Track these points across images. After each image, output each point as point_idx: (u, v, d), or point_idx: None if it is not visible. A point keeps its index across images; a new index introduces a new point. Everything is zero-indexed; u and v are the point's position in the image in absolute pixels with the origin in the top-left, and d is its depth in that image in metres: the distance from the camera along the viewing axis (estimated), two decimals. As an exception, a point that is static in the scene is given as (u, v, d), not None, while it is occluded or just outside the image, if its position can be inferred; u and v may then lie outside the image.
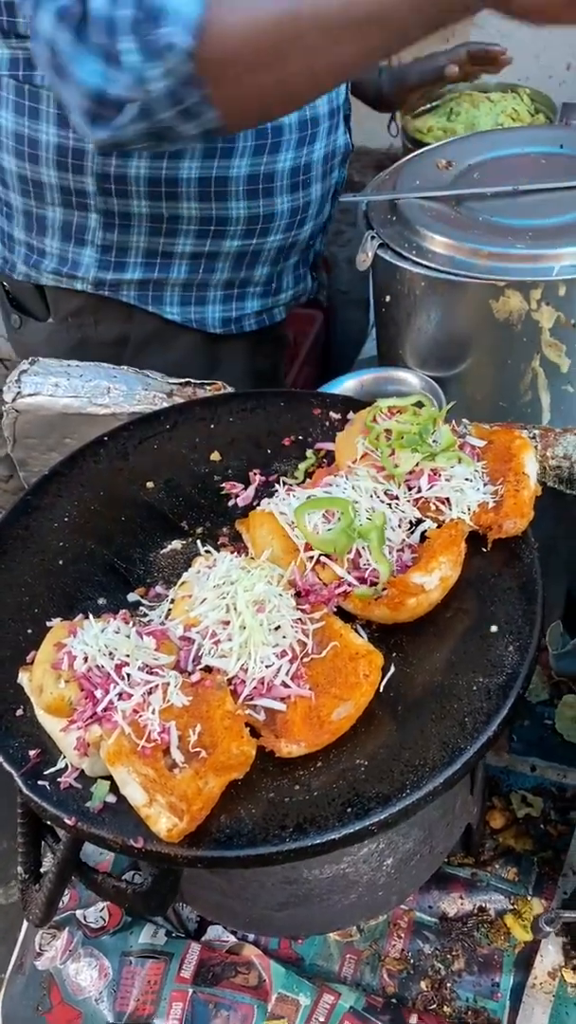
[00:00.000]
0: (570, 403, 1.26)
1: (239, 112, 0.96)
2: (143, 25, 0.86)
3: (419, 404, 0.87)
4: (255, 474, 0.93)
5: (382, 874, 0.87)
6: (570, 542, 1.09)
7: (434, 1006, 0.97)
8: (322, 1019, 0.93)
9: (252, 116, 1.03)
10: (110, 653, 0.70)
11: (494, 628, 0.77)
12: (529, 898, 1.03)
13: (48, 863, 0.82)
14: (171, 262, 1.39)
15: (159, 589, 0.84)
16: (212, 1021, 0.95)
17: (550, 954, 0.99)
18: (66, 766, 0.71)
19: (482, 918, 1.02)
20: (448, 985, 0.98)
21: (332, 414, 0.98)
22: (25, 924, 1.09)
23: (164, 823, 0.63)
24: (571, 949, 0.99)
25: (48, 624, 0.79)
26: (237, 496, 0.92)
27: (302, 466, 0.93)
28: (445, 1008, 0.97)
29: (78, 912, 1.05)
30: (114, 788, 0.69)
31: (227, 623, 0.73)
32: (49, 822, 0.72)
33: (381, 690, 0.73)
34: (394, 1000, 0.97)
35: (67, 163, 1.29)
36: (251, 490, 0.92)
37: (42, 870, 0.82)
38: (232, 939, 1.02)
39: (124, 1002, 0.98)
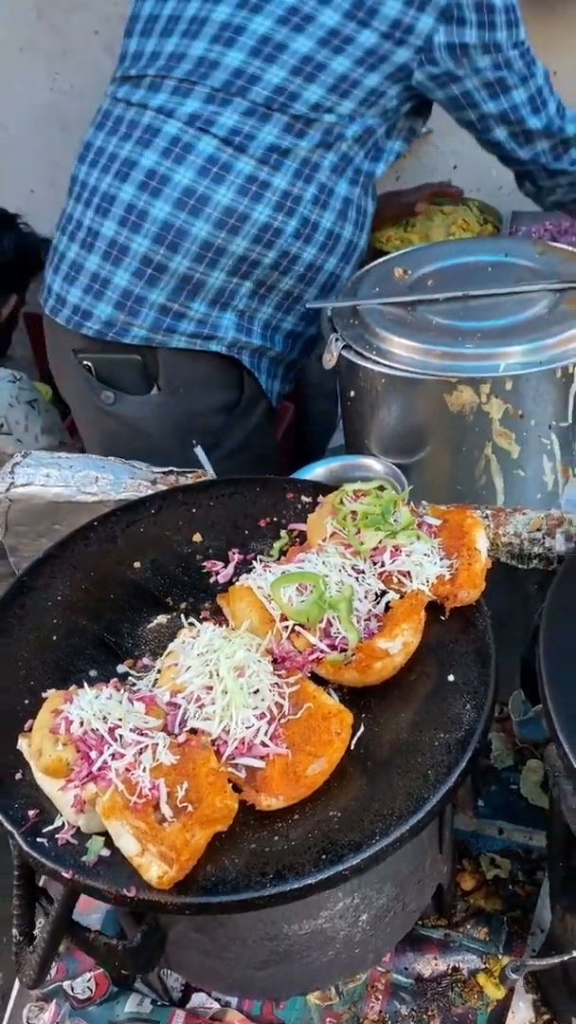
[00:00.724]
0: (522, 486, 1.37)
1: None
2: None
3: (381, 488, 0.97)
4: (234, 553, 1.02)
5: (358, 930, 0.92)
6: (524, 614, 1.17)
7: (412, 1065, 1.00)
8: (304, 1079, 0.96)
9: None
10: (104, 717, 0.77)
11: (453, 689, 0.84)
12: (500, 957, 1.07)
13: (41, 926, 0.87)
14: (276, 335, 1.64)
15: (146, 660, 0.92)
16: None
17: (521, 1011, 1.03)
18: (63, 824, 0.76)
19: (456, 978, 1.07)
20: (425, 1044, 1.02)
21: (303, 498, 1.07)
22: (13, 997, 1.11)
23: (155, 871, 0.69)
24: (541, 1005, 1.03)
25: (44, 695, 0.86)
26: (218, 574, 1.00)
27: (277, 545, 1.01)
28: (423, 1067, 1.00)
29: (65, 984, 1.08)
30: (108, 843, 0.74)
31: (210, 688, 0.80)
32: (47, 876, 0.77)
33: (352, 747, 0.80)
34: (373, 1060, 1.01)
35: (263, 239, 1.51)
36: (230, 568, 1.00)
37: (35, 932, 0.87)
38: (216, 1006, 1.06)
39: (111, 1071, 1.01)
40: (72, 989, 1.07)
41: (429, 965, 1.08)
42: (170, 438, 1.61)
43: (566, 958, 0.87)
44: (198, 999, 1.07)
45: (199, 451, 1.55)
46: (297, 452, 2.85)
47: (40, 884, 0.88)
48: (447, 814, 0.96)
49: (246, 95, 1.46)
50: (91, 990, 1.07)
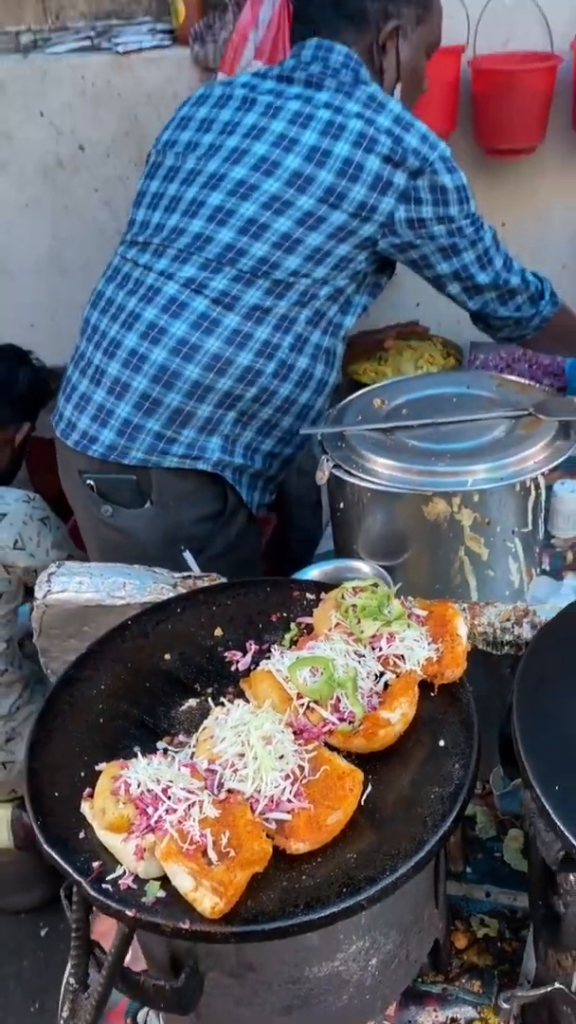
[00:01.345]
0: (492, 584, 1.56)
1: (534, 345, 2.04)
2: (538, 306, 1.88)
3: (375, 585, 1.15)
4: (251, 644, 1.19)
5: (368, 975, 1.05)
6: (500, 694, 1.35)
7: None
8: None
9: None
10: (157, 780, 0.93)
11: (444, 752, 1.01)
12: (492, 1006, 1.20)
13: (92, 977, 0.99)
14: (256, 455, 1.88)
15: (181, 737, 1.07)
16: None
17: (514, 1053, 1.15)
18: (123, 872, 0.91)
19: (454, 1027, 1.19)
20: None
21: (307, 595, 1.25)
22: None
23: (208, 903, 0.84)
24: (532, 1047, 1.15)
25: (97, 768, 1.01)
26: (238, 662, 1.17)
27: (288, 636, 1.19)
28: None
29: (101, 1046, 1.18)
30: (163, 886, 0.89)
31: (242, 755, 0.96)
32: (112, 916, 0.90)
33: (362, 803, 0.96)
34: None
35: (245, 378, 1.76)
36: (248, 656, 1.17)
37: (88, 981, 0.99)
38: (239, 1061, 1.16)
39: None
40: (108, 1051, 1.17)
41: (430, 1017, 1.20)
42: (160, 545, 1.82)
43: (550, 989, 1.01)
44: (223, 1056, 1.17)
45: (187, 555, 1.74)
46: (280, 559, 3.05)
47: (92, 937, 1.01)
48: (442, 870, 1.10)
49: (235, 265, 1.73)
50: (125, 1051, 1.17)
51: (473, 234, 1.78)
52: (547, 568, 1.81)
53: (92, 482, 1.86)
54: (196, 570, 1.66)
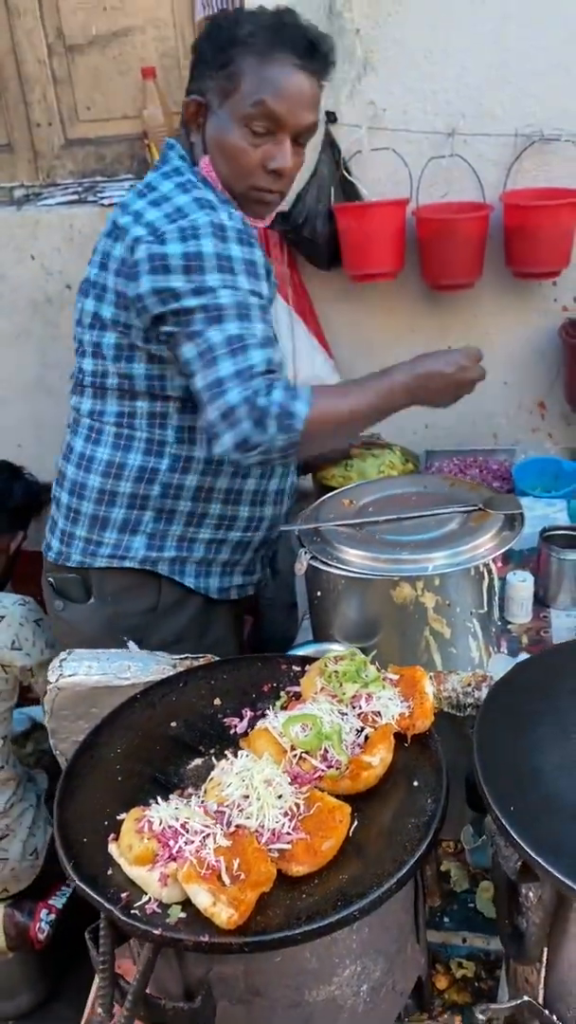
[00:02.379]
0: (455, 661, 1.75)
1: (306, 454, 1.84)
2: (283, 418, 1.66)
3: (353, 654, 1.34)
4: (247, 711, 1.36)
5: (360, 1001, 1.18)
6: (466, 753, 1.52)
7: None
8: None
9: (312, 454, 2.02)
10: (175, 818, 1.08)
11: (417, 790, 1.18)
12: (473, 1037, 1.32)
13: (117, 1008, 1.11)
14: (193, 544, 2.00)
15: (190, 790, 1.23)
16: None
17: (494, 1079, 1.27)
18: (148, 899, 1.05)
19: (440, 1059, 1.31)
20: None
21: (294, 667, 1.43)
22: None
23: (224, 915, 0.99)
24: (510, 1071, 1.27)
25: (118, 818, 1.16)
26: (236, 726, 1.34)
27: (278, 703, 1.36)
28: None
29: None
30: (184, 908, 1.03)
31: (247, 796, 1.12)
32: (140, 938, 1.04)
33: (351, 835, 1.12)
34: None
35: (143, 478, 1.92)
36: (245, 721, 1.34)
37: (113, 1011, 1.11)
38: None
39: None
40: None
41: (417, 1051, 1.32)
42: (102, 636, 1.95)
43: (518, 1002, 1.16)
44: None
45: (132, 644, 1.88)
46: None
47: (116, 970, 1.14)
48: (421, 904, 1.25)
49: (91, 384, 1.95)
50: None
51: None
52: (504, 651, 2.00)
53: (51, 580, 2.08)
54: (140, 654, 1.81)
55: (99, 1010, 1.11)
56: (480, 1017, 1.14)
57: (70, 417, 2.04)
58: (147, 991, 1.09)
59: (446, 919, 1.50)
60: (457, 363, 1.83)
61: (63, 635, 2.09)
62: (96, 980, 1.14)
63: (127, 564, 1.97)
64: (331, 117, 2.66)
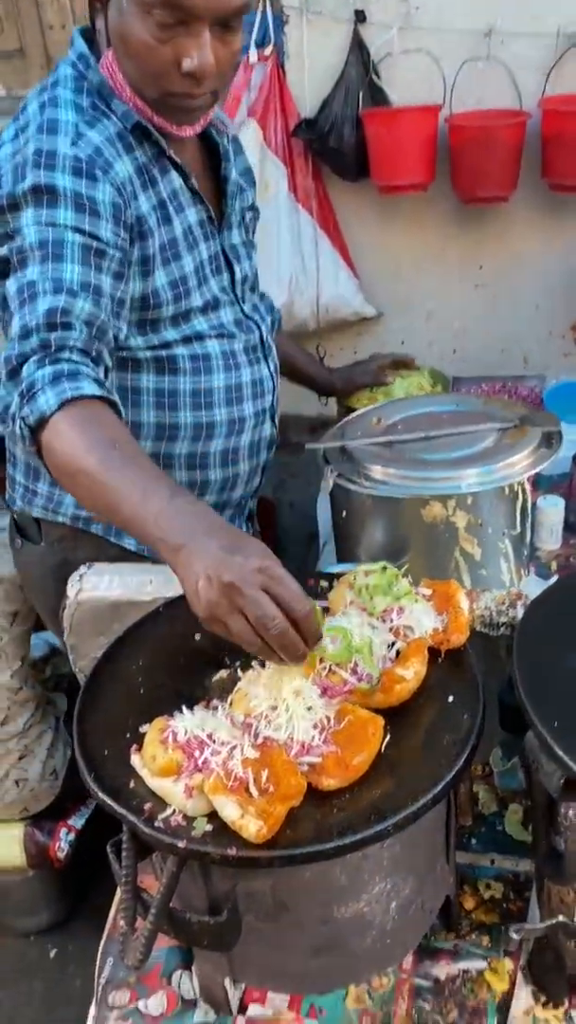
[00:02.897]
0: (485, 581, 1.69)
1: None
2: (25, 399, 1.28)
3: (384, 567, 1.28)
4: (273, 626, 1.31)
5: (389, 918, 1.15)
6: (498, 675, 1.47)
7: (438, 1048, 1.20)
8: (352, 1055, 1.16)
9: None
10: (201, 728, 1.04)
11: (453, 706, 1.13)
12: (501, 958, 1.29)
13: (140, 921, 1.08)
14: None
15: (215, 702, 1.18)
16: (263, 1071, 1.16)
17: (523, 998, 1.25)
18: (173, 811, 1.01)
19: (467, 978, 1.28)
20: (447, 1032, 1.22)
21: (322, 583, 1.38)
22: (91, 1018, 1.28)
23: (253, 828, 0.95)
24: (538, 992, 1.25)
25: (140, 730, 1.12)
26: (262, 640, 1.29)
27: (306, 618, 1.31)
28: (447, 1048, 1.20)
29: (139, 1003, 1.26)
30: (210, 820, 0.99)
31: (275, 707, 1.08)
32: (165, 851, 1.00)
33: (383, 750, 1.07)
34: (406, 1044, 1.21)
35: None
36: (271, 636, 1.29)
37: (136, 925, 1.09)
38: (270, 1012, 1.25)
39: (187, 1069, 1.18)
40: (146, 1007, 1.26)
41: (444, 970, 1.29)
42: (53, 579, 1.77)
43: (553, 921, 1.12)
44: (254, 1010, 1.26)
45: None
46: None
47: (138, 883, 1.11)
48: (453, 823, 1.22)
49: None
50: (163, 1007, 1.25)
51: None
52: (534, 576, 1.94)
53: (15, 517, 1.90)
54: None
55: (121, 923, 1.08)
56: (514, 936, 1.10)
57: None
58: (171, 905, 1.06)
59: (474, 841, 1.47)
60: (251, 580, 1.05)
61: (21, 573, 1.97)
62: (119, 893, 1.11)
63: (59, 519, 1.79)
64: (360, 16, 2.50)
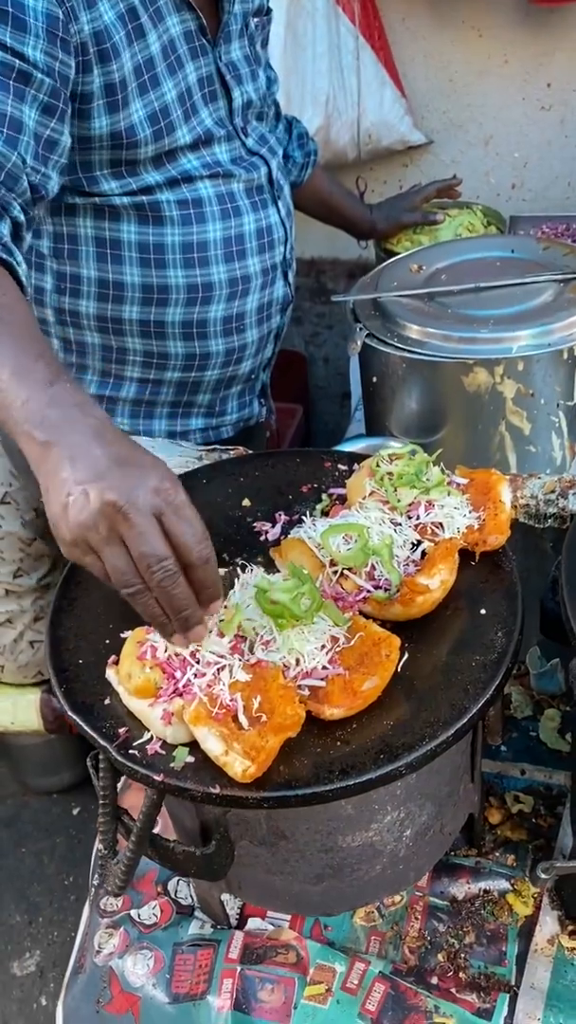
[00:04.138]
0: (533, 461, 1.48)
1: None
2: None
3: (413, 452, 1.08)
4: (280, 515, 1.13)
5: (402, 846, 1.03)
6: (541, 572, 1.29)
7: (451, 973, 1.11)
8: (356, 982, 1.07)
9: None
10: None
11: (485, 620, 0.96)
12: (526, 879, 1.18)
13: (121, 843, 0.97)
14: (121, 383, 1.56)
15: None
16: (259, 993, 1.08)
17: (548, 924, 1.14)
18: (151, 738, 0.87)
19: (487, 899, 1.17)
20: (462, 956, 1.12)
21: (339, 466, 1.18)
22: (81, 929, 1.21)
23: (239, 767, 0.80)
24: (565, 919, 1.14)
25: (122, 636, 0.97)
26: (267, 532, 1.11)
27: (319, 507, 1.13)
28: (460, 974, 1.11)
29: (132, 912, 1.18)
30: (192, 752, 0.85)
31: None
32: (139, 782, 0.87)
33: (399, 670, 0.91)
34: (416, 968, 1.11)
35: (33, 298, 1.47)
36: (278, 527, 1.12)
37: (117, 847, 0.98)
38: (271, 927, 1.16)
39: (179, 984, 1.11)
40: (139, 916, 1.18)
41: (463, 889, 1.18)
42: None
43: (590, 858, 0.99)
44: (253, 923, 1.17)
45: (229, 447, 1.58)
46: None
47: (120, 804, 0.99)
48: (479, 743, 1.07)
49: None
50: (156, 916, 1.17)
51: None
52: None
53: None
54: None
55: (100, 846, 0.97)
56: (542, 876, 0.97)
57: None
58: (155, 831, 0.94)
59: (503, 747, 1.34)
60: (143, 503, 0.81)
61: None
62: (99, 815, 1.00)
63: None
64: None
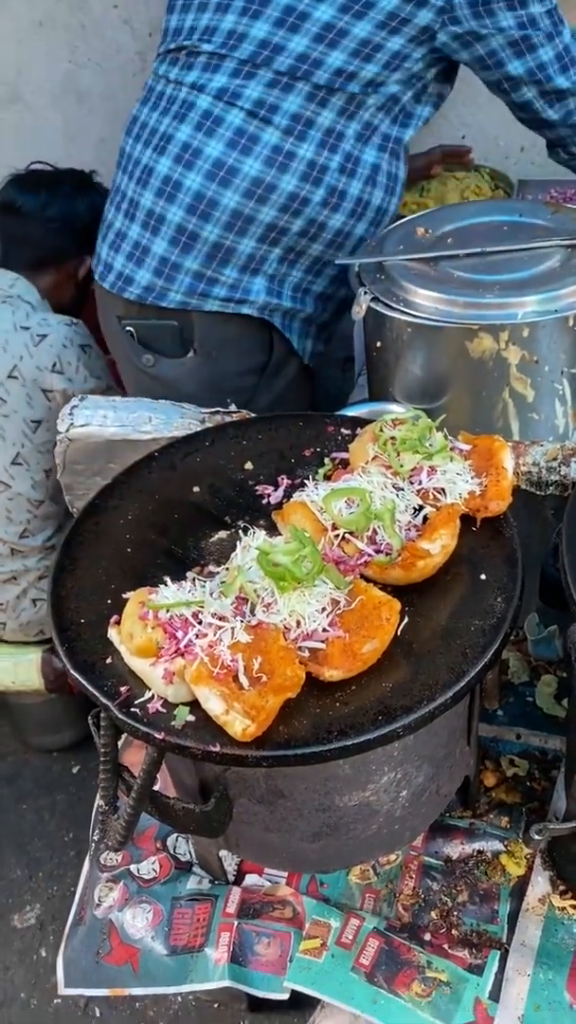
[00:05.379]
0: (536, 428, 1.48)
1: None
2: None
3: (416, 417, 1.08)
4: (283, 478, 1.13)
5: (398, 806, 1.04)
6: (542, 539, 1.29)
7: (443, 930, 1.13)
8: (350, 937, 1.09)
9: None
10: (188, 604, 0.89)
11: (485, 586, 0.96)
12: (519, 841, 1.20)
13: (122, 799, 0.99)
14: (307, 297, 1.72)
15: (211, 568, 1.03)
16: (256, 946, 1.11)
17: (540, 884, 1.16)
18: (152, 697, 0.88)
19: (481, 859, 1.19)
20: (455, 914, 1.15)
21: (343, 430, 1.18)
22: (81, 883, 1.24)
23: (239, 725, 0.81)
24: (557, 879, 1.16)
25: (124, 596, 0.97)
26: (269, 495, 1.12)
27: (321, 471, 1.13)
28: (453, 931, 1.13)
29: (132, 867, 1.21)
30: (193, 711, 0.86)
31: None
32: (141, 739, 0.88)
33: (399, 634, 0.92)
34: (410, 925, 1.14)
35: (291, 207, 1.59)
36: (280, 490, 1.12)
37: (117, 803, 0.99)
38: (267, 884, 1.18)
39: (178, 937, 1.13)
40: (138, 871, 1.20)
41: (457, 849, 1.21)
42: (203, 398, 1.70)
43: (581, 823, 1.00)
44: (251, 879, 1.19)
45: (234, 409, 1.63)
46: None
47: (120, 761, 1.01)
48: (477, 706, 1.08)
49: (270, 65, 1.54)
50: (155, 871, 1.20)
51: (550, 26, 1.52)
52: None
53: (132, 329, 1.73)
54: None
55: (100, 802, 0.98)
56: (535, 837, 0.99)
57: (196, 107, 1.60)
58: (155, 788, 0.95)
59: (500, 712, 1.35)
60: None
61: (150, 396, 1.80)
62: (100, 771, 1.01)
63: (244, 310, 1.67)
64: None
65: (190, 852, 1.22)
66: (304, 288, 1.71)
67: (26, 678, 2.39)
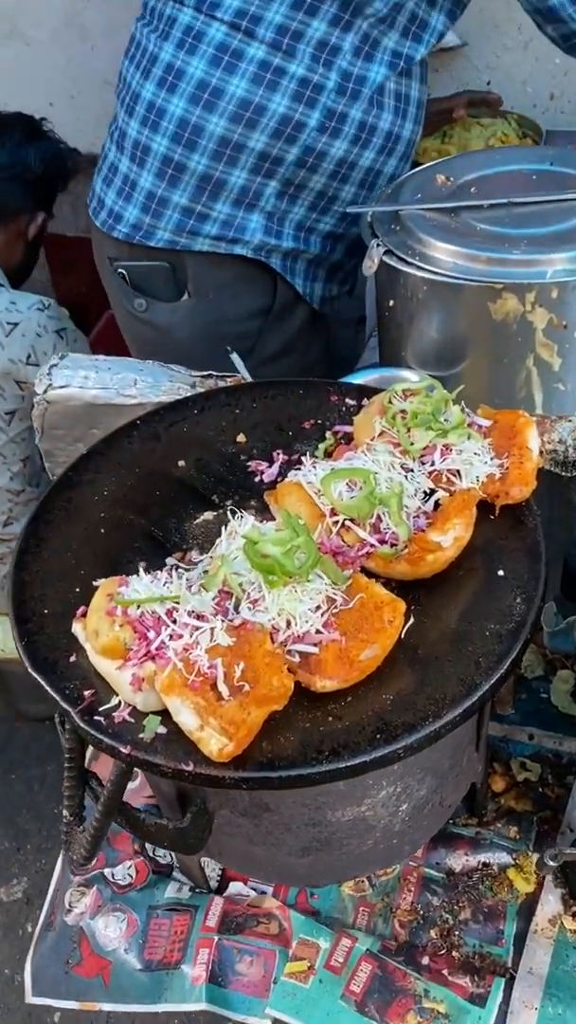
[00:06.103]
0: (561, 400, 1.35)
1: None
2: None
3: (431, 388, 0.96)
4: (278, 454, 1.01)
5: (397, 820, 0.94)
6: (567, 525, 1.18)
7: (443, 952, 1.04)
8: (340, 960, 1.00)
9: None
10: (161, 600, 0.78)
11: (503, 583, 0.85)
12: (530, 854, 1.10)
13: (90, 807, 0.89)
14: (311, 237, 1.56)
15: (194, 555, 0.92)
16: (237, 965, 1.01)
17: (550, 903, 1.06)
18: (119, 703, 0.78)
19: (486, 872, 1.10)
20: (456, 933, 1.05)
21: (348, 400, 1.06)
22: (53, 884, 1.15)
23: (215, 744, 0.70)
24: (569, 898, 1.06)
25: (95, 584, 0.86)
26: (262, 473, 1.00)
27: (322, 446, 1.01)
28: (454, 953, 1.04)
29: (106, 871, 1.11)
30: (164, 722, 0.76)
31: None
32: (105, 752, 0.78)
33: (403, 637, 0.80)
34: (406, 945, 1.04)
35: (284, 132, 1.42)
36: (275, 467, 1.00)
37: (84, 814, 0.89)
38: (253, 893, 1.09)
39: (153, 951, 1.04)
40: (112, 876, 1.10)
41: (460, 861, 1.11)
42: (202, 345, 1.58)
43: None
44: (235, 887, 1.10)
45: (235, 357, 1.49)
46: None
47: (88, 767, 0.91)
48: (486, 711, 0.97)
49: None
50: (131, 877, 1.10)
51: None
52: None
53: (123, 271, 1.60)
54: (245, 375, 1.41)
55: (65, 813, 0.88)
56: (549, 863, 0.89)
57: (178, 22, 1.45)
58: (132, 785, 0.85)
59: (511, 710, 1.25)
60: None
61: (144, 344, 1.66)
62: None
63: (237, 250, 1.52)
64: None
65: (170, 855, 1.13)
66: (308, 227, 1.55)
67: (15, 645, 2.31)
